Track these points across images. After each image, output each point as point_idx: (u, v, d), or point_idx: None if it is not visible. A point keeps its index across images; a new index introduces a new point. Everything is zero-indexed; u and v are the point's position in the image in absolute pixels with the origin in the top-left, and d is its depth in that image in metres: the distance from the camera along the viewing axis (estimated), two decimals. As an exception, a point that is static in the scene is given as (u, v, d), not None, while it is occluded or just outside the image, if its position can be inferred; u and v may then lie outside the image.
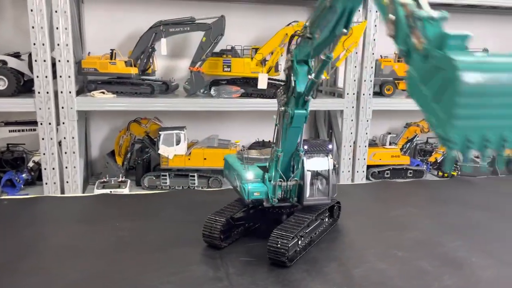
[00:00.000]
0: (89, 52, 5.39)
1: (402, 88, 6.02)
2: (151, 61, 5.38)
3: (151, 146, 5.58)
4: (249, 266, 2.28)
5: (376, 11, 5.37)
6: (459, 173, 6.19)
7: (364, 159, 5.72)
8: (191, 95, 5.37)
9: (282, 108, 2.29)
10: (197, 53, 5.21)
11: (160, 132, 5.32)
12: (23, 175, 5.20)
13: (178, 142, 5.35)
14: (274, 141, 2.43)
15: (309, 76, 2.17)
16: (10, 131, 5.34)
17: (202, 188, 5.37)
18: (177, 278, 2.15)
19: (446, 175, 6.27)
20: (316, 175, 2.47)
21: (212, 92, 5.36)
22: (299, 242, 2.38)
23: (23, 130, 5.30)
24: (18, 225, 2.80)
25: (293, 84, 2.19)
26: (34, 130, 5.15)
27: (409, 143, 6.53)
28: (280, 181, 2.39)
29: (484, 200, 3.44)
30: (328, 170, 2.51)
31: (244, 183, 2.41)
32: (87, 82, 5.22)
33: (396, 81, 5.97)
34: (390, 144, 6.33)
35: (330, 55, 2.09)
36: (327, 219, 2.77)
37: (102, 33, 5.72)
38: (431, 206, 3.30)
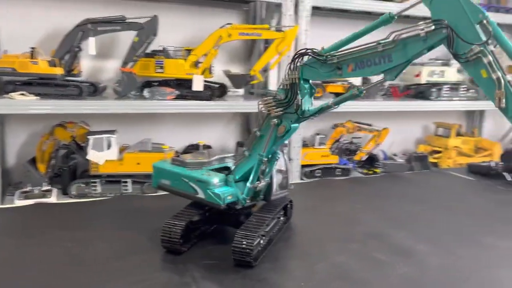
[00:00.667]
0: (5, 50, 4.90)
1: (330, 90, 6.31)
2: (77, 61, 5.05)
3: (78, 151, 5.22)
4: (213, 269, 2.23)
5: (307, 16, 5.58)
6: (383, 170, 6.63)
7: (298, 159, 5.89)
8: (122, 97, 5.12)
9: (275, 120, 2.28)
10: (129, 53, 4.99)
11: (89, 137, 5.01)
12: None
13: (109, 147, 5.07)
14: (251, 145, 2.42)
15: (334, 106, 2.18)
16: None
17: (137, 194, 5.15)
18: (142, 287, 2.04)
19: (371, 172, 6.68)
20: (277, 171, 2.52)
21: (146, 93, 5.17)
22: (261, 241, 2.39)
23: None
24: None
25: (299, 103, 2.20)
26: None
27: (336, 143, 6.84)
28: (258, 182, 2.39)
29: (417, 193, 3.72)
30: (286, 165, 2.59)
31: (213, 188, 2.34)
32: (3, 83, 4.75)
33: (324, 84, 6.23)
34: (319, 144, 6.59)
35: (361, 89, 2.10)
36: (282, 218, 2.81)
37: (19, 31, 5.24)
38: (372, 201, 3.49)
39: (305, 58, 2.20)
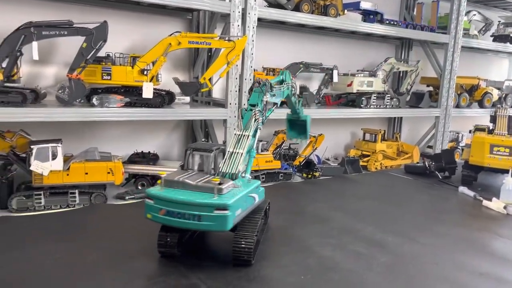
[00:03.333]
0: None
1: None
2: (17, 66, 4.74)
3: (18, 162, 4.88)
4: (215, 269, 2.32)
5: (254, 27, 5.81)
6: (320, 173, 7.03)
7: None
8: (68, 104, 4.91)
9: (260, 127, 2.88)
10: (76, 59, 4.80)
11: (32, 146, 4.71)
12: None
13: (54, 157, 4.81)
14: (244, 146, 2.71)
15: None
16: None
17: (84, 205, 4.94)
18: (153, 291, 2.06)
19: (310, 176, 7.06)
20: None
21: (95, 101, 5.00)
22: (255, 241, 2.52)
23: None
24: None
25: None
26: None
27: (278, 149, 7.13)
28: None
29: (368, 192, 4.09)
30: None
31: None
32: None
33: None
34: (262, 150, 6.83)
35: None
36: (263, 219, 2.96)
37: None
38: (332, 200, 3.78)
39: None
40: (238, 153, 2.65)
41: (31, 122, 4.96)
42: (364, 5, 7.30)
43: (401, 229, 3.06)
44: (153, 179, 5.78)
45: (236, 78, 5.77)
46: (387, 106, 7.78)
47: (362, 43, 8.32)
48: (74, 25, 4.77)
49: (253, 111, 2.86)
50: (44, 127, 5.30)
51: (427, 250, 2.74)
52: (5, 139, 4.80)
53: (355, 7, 7.31)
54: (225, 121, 5.86)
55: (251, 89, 3.05)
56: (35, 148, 4.72)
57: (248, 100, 3.02)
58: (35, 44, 4.65)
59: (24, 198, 4.84)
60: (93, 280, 2.15)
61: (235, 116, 5.85)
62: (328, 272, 2.37)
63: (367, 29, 7.24)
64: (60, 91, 4.97)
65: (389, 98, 7.80)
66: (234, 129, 5.88)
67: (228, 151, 2.64)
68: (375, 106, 7.62)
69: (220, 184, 2.25)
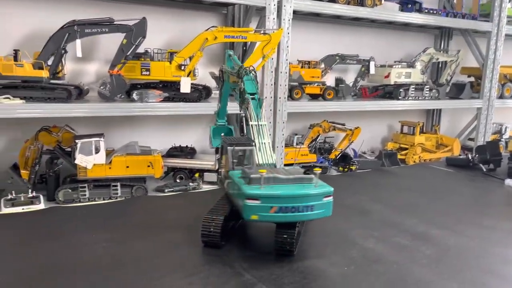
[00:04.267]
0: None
1: (308, 92, 6.56)
2: (61, 64, 4.93)
3: (64, 156, 5.09)
4: (257, 260, 2.34)
5: (289, 20, 5.78)
6: (357, 167, 6.95)
7: (282, 158, 6.06)
8: (110, 99, 5.06)
9: None
10: (117, 55, 4.95)
11: (76, 141, 4.90)
12: None
13: (97, 151, 4.99)
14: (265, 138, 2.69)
15: None
16: None
17: (125, 197, 5.09)
18: (198, 278, 2.11)
19: (346, 170, 6.98)
20: None
21: (135, 96, 5.14)
22: (296, 232, 2.52)
23: None
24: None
25: None
26: None
27: (313, 142, 7.09)
28: None
29: (410, 185, 4.00)
30: None
31: None
32: (-15, 87, 4.55)
33: (302, 86, 6.45)
34: (297, 144, 6.81)
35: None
36: (303, 211, 2.95)
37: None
38: (374, 193, 3.72)
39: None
40: (264, 143, 2.65)
41: (75, 117, 5.16)
42: (402, -6, 7.13)
43: (445, 222, 2.99)
44: (191, 172, 5.89)
45: (272, 72, 5.78)
46: (426, 98, 7.59)
47: (400, 33, 8.13)
48: (115, 22, 4.91)
49: (258, 98, 2.78)
50: (87, 122, 5.50)
51: (474, 243, 2.67)
52: (51, 134, 5.01)
53: (393, -4, 7.15)
54: (261, 114, 5.87)
55: (238, 76, 2.81)
56: (79, 142, 4.91)
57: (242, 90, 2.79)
58: (78, 41, 4.82)
59: (70, 191, 5.06)
60: (139, 267, 2.22)
61: (270, 110, 5.85)
62: (372, 264, 2.35)
63: (405, 19, 7.07)
64: (102, 87, 5.13)
65: (428, 89, 7.60)
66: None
67: (254, 144, 2.63)
68: (413, 97, 7.44)
69: (314, 174, 2.36)
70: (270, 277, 2.15)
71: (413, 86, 7.40)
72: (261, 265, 2.27)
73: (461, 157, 4.73)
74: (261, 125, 2.73)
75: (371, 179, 4.27)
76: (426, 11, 7.33)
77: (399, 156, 7.62)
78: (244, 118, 2.82)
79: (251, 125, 2.72)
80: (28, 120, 4.85)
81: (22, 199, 4.59)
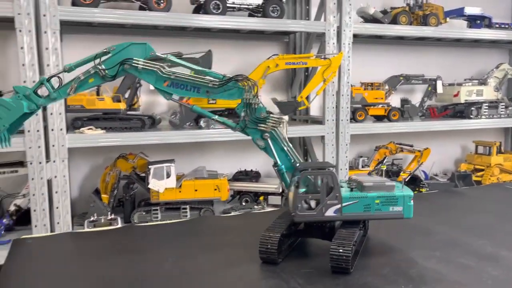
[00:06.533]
0: (72, 89, 5.28)
1: (372, 113, 6.51)
2: (137, 96, 5.40)
3: (139, 181, 5.49)
4: (313, 276, 2.39)
5: (349, 44, 5.85)
6: (427, 189, 6.70)
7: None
8: (179, 127, 5.42)
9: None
10: (186, 86, 5.30)
11: (150, 166, 5.28)
12: (4, 220, 4.88)
13: (168, 175, 5.33)
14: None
15: None
16: (-14, 174, 5.02)
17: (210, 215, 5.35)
18: (255, 293, 2.21)
19: (415, 191, 6.74)
20: None
21: (202, 123, 5.45)
22: (353, 250, 2.54)
23: (2, 173, 5.01)
24: (58, 262, 2.69)
25: None
26: (16, 171, 4.90)
27: (379, 165, 6.96)
28: None
29: (480, 206, 3.82)
30: None
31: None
32: (72, 120, 5.10)
33: (366, 107, 6.43)
34: (362, 166, 6.74)
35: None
36: (362, 231, 2.96)
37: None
38: (439, 213, 3.60)
39: None
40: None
41: (148, 145, 5.58)
42: (469, 10, 6.92)
43: (516, 245, 2.83)
44: (256, 196, 6.05)
45: (333, 95, 5.85)
46: (502, 116, 7.18)
47: (468, 50, 7.84)
48: (183, 56, 5.28)
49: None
50: (159, 149, 5.90)
51: (549, 267, 2.50)
52: (128, 161, 5.44)
53: (459, 13, 6.97)
54: (323, 137, 5.94)
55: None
56: (152, 168, 5.28)
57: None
58: (151, 75, 5.24)
59: (144, 213, 5.42)
60: (204, 280, 2.38)
61: (333, 132, 5.89)
62: (431, 283, 2.30)
63: (474, 36, 6.84)
64: (172, 116, 5.51)
65: (503, 106, 7.19)
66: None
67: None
68: (487, 116, 7.08)
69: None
70: (325, 293, 2.20)
71: (486, 104, 7.05)
72: (317, 282, 2.32)
73: (539, 176, 4.42)
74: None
75: (437, 200, 4.13)
76: (497, 26, 7.04)
77: (474, 178, 7.23)
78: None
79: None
80: (108, 148, 5.33)
81: (102, 221, 5.01)
